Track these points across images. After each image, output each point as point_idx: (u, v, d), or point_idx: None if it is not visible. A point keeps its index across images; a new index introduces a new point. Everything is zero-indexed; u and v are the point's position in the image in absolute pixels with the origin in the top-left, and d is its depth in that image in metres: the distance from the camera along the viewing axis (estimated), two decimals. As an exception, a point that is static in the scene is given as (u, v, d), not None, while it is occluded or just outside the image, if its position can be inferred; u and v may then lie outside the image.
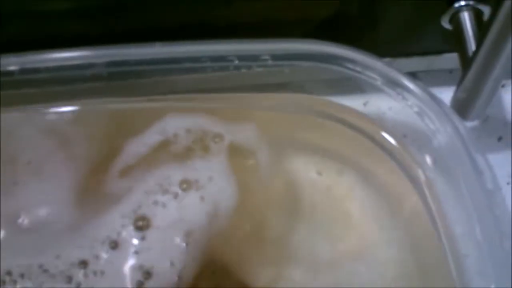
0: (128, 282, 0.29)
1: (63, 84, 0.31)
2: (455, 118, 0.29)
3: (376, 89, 0.31)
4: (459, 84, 0.32)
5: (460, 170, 0.29)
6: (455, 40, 0.31)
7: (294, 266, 0.31)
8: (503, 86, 0.38)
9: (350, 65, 0.31)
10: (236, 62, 0.30)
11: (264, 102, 0.33)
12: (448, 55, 0.35)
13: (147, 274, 0.29)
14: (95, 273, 0.29)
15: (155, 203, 0.31)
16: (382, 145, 0.33)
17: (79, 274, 0.29)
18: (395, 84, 0.30)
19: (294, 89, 0.34)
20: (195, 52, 0.30)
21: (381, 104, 0.32)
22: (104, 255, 0.30)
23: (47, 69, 0.30)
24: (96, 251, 0.30)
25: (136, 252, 0.30)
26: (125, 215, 0.30)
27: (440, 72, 0.37)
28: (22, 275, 0.29)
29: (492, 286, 0.27)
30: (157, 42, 0.30)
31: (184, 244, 0.30)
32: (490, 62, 0.28)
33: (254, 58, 0.30)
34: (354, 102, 0.34)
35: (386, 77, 0.30)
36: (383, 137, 0.33)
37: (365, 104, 0.33)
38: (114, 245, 0.30)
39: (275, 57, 0.30)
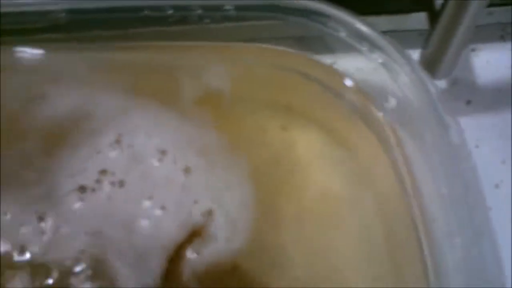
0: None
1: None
2: (424, 75, 0.29)
3: (345, 47, 0.31)
4: (426, 40, 0.32)
5: (427, 125, 0.28)
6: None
7: (258, 221, 0.30)
8: (473, 50, 0.38)
9: (319, 19, 0.30)
10: (199, 11, 0.29)
11: (229, 54, 0.32)
12: (417, 15, 0.34)
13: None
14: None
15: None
16: (350, 103, 0.32)
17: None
18: (364, 40, 0.30)
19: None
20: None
21: (350, 64, 0.32)
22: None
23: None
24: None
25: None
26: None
27: (409, 33, 0.36)
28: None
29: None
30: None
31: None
32: (458, 14, 0.28)
33: (217, 8, 0.29)
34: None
35: (356, 32, 0.30)
36: (351, 95, 0.32)
37: (333, 64, 0.33)
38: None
39: (239, 7, 0.29)
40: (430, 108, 0.28)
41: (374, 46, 0.29)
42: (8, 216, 0.28)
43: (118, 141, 0.30)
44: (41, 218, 0.28)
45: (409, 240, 0.30)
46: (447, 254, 0.27)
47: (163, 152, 0.30)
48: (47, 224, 0.28)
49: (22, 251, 0.28)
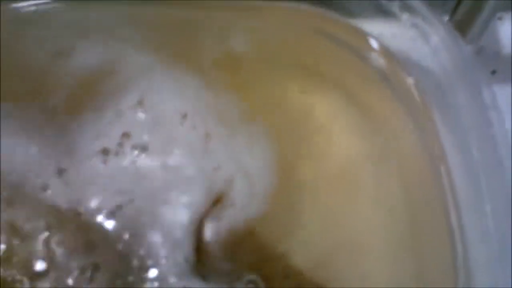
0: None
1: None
2: (457, 36, 0.28)
3: (373, 8, 0.29)
4: (456, 5, 0.31)
5: (458, 88, 0.27)
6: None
7: (277, 187, 0.29)
8: (500, 18, 0.36)
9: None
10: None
11: (253, 14, 0.31)
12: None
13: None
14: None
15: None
16: (375, 66, 0.31)
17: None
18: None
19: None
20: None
21: (377, 26, 0.31)
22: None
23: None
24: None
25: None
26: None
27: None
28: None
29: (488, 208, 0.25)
30: None
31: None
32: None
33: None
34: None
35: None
36: (377, 57, 0.31)
37: (359, 26, 0.31)
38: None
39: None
40: (463, 71, 0.27)
41: (405, 7, 0.28)
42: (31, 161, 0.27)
43: (140, 103, 0.29)
44: (61, 171, 0.27)
45: (433, 207, 0.29)
46: (476, 222, 0.26)
47: (184, 116, 0.29)
48: (69, 177, 0.27)
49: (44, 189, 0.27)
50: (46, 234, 0.26)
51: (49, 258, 0.26)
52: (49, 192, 0.27)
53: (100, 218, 0.27)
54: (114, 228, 0.27)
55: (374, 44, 0.30)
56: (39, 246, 0.26)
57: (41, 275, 0.26)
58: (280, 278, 0.28)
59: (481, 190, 0.26)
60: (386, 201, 0.30)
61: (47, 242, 0.26)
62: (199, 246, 0.27)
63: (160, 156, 0.28)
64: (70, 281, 0.26)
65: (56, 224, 0.26)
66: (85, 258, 0.26)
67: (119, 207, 0.27)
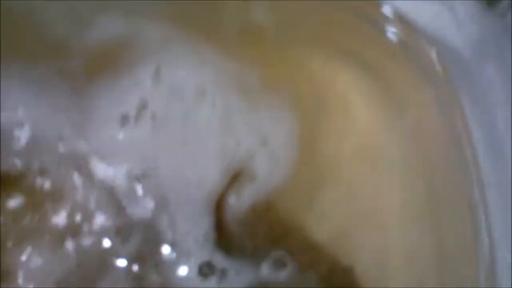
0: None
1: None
2: (484, 9, 0.27)
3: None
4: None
5: (487, 63, 0.27)
6: None
7: (297, 161, 0.29)
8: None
9: None
10: None
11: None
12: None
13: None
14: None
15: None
16: (396, 37, 0.30)
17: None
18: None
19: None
20: None
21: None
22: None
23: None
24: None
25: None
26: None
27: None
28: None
29: None
30: None
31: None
32: None
33: None
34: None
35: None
36: (397, 28, 0.30)
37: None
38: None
39: None
40: (490, 46, 0.27)
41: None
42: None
43: (157, 73, 0.28)
44: (78, 130, 0.27)
45: (455, 183, 0.28)
46: (501, 198, 0.26)
47: (203, 90, 0.28)
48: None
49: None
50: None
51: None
52: (68, 145, 0.26)
53: (126, 181, 0.26)
54: (141, 195, 0.26)
55: (396, 15, 0.30)
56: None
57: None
58: (300, 251, 0.28)
59: (506, 166, 0.26)
60: (406, 176, 0.30)
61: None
62: (219, 222, 0.27)
63: (179, 131, 0.27)
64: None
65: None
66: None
67: (144, 175, 0.26)
